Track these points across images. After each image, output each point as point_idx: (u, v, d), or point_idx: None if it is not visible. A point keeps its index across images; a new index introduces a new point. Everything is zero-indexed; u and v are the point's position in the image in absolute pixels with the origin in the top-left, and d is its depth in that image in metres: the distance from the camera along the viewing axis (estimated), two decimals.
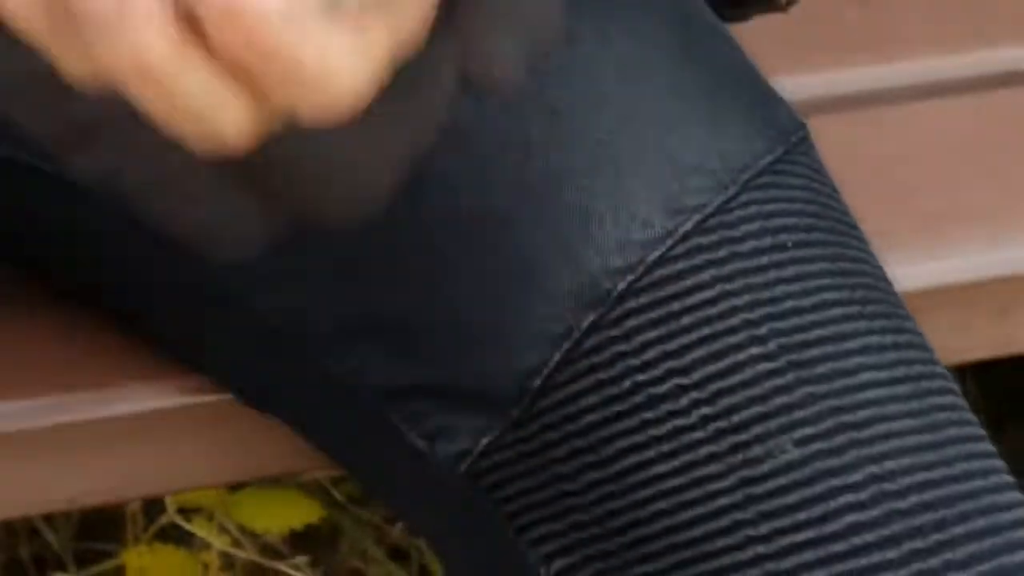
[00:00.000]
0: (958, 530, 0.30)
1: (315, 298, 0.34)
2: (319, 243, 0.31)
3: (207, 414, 0.39)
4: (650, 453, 0.30)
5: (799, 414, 0.30)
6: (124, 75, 0.17)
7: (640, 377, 0.30)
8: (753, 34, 0.39)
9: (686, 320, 0.30)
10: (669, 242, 0.32)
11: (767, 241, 0.33)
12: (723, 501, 0.29)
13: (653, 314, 0.31)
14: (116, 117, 0.18)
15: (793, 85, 0.43)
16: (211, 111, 0.17)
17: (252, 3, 0.16)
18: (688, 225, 0.32)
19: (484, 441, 0.31)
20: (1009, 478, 0.32)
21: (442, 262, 0.32)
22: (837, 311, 0.33)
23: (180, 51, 0.17)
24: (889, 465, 0.30)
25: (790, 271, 0.33)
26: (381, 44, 0.17)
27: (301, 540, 0.74)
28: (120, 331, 0.38)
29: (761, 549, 0.29)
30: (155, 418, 0.38)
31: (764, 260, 0.33)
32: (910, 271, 0.41)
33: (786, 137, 0.35)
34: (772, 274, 0.33)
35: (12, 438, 0.37)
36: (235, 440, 0.39)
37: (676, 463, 0.30)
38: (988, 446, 0.32)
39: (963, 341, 0.43)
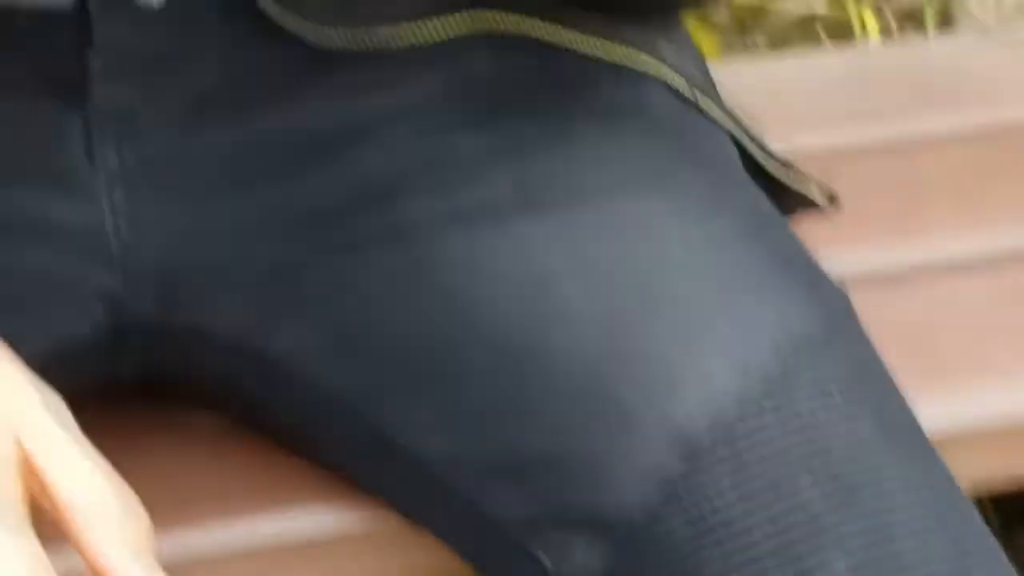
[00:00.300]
0: None
1: (466, 443, 0.43)
2: (469, 391, 0.42)
3: (376, 536, 0.48)
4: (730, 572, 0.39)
5: (847, 538, 0.38)
6: None
7: (722, 514, 0.39)
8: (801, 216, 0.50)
9: (756, 468, 0.39)
10: (742, 403, 0.40)
11: (820, 401, 0.41)
12: None
13: (733, 462, 0.39)
14: None
15: (835, 261, 0.54)
16: None
17: None
18: (757, 389, 0.40)
19: (599, 565, 0.39)
20: None
21: (563, 408, 0.42)
22: (879, 455, 0.41)
23: None
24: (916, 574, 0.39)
25: (841, 426, 0.41)
26: None
27: None
28: (285, 453, 0.48)
29: None
30: (328, 540, 0.47)
31: (820, 416, 0.40)
32: (936, 414, 0.51)
33: (834, 310, 0.44)
34: (825, 428, 0.40)
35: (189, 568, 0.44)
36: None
37: None
38: (1004, 558, 0.40)
39: (981, 474, 0.53)
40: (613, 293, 0.44)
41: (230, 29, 0.49)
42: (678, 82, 0.48)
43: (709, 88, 0.50)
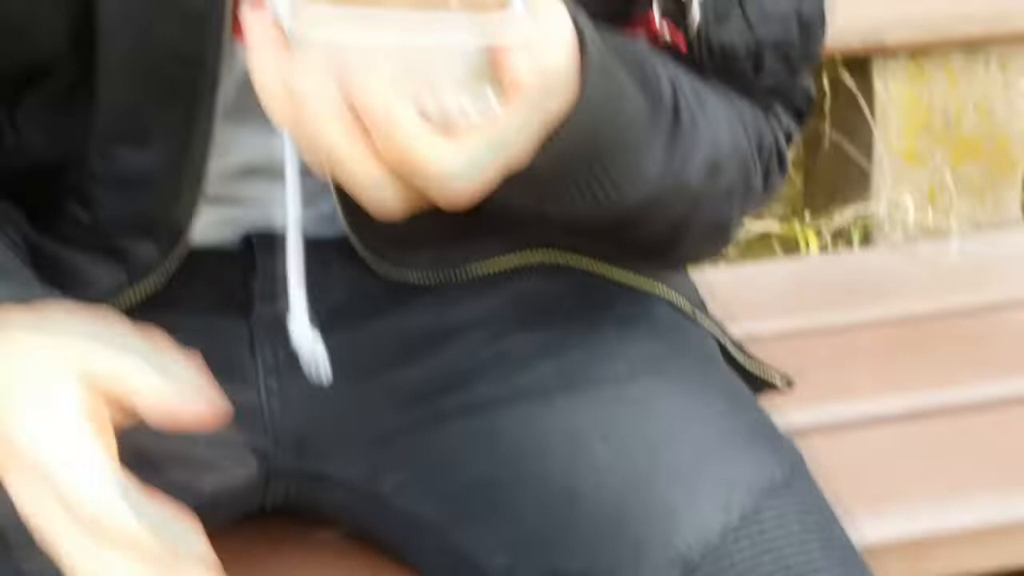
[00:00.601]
0: None
1: (521, 560, 0.58)
2: (524, 521, 0.58)
3: None
4: None
5: None
6: (328, 161, 0.40)
7: None
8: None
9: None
10: (725, 533, 0.56)
11: (782, 531, 0.57)
12: None
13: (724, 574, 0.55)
14: None
15: (790, 415, 0.73)
16: (377, 190, 0.41)
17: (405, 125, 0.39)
18: (736, 523, 0.57)
19: None
20: None
21: (594, 537, 0.58)
22: (824, 569, 0.57)
23: (358, 150, 0.39)
24: None
25: (797, 548, 0.57)
26: (487, 159, 0.40)
27: None
28: (388, 560, 0.62)
29: None
30: None
31: (781, 541, 0.57)
32: (866, 531, 0.71)
33: (791, 461, 0.61)
34: (785, 550, 0.57)
35: None
36: None
37: None
38: None
39: None
40: (629, 452, 0.61)
41: (354, 267, 0.68)
42: (677, 299, 0.68)
43: (698, 302, 0.70)
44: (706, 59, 0.67)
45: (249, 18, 0.48)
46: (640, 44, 0.64)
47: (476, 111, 0.45)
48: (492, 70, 0.46)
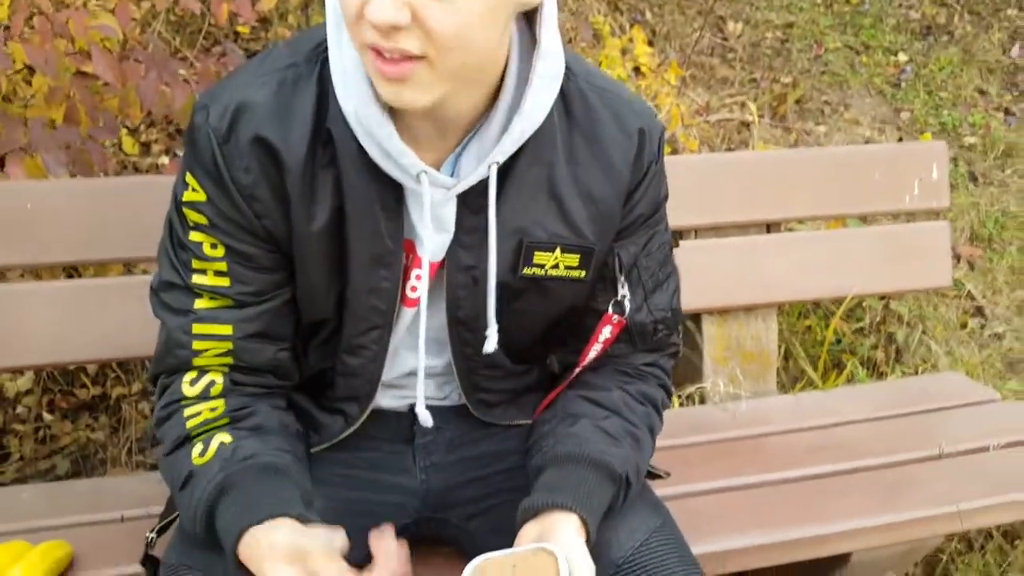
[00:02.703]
0: None
1: None
2: None
3: None
4: None
5: None
6: None
7: None
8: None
9: None
10: (634, 551, 1.08)
11: (662, 551, 1.09)
12: None
13: None
14: None
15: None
16: None
17: None
18: (638, 546, 1.09)
19: None
20: None
21: None
22: (678, 567, 1.06)
23: None
24: None
25: (667, 559, 1.06)
26: None
27: None
28: None
29: None
30: None
31: (661, 557, 1.06)
32: None
33: (664, 515, 1.15)
34: (665, 560, 1.04)
35: None
36: None
37: None
38: None
39: None
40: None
41: (462, 418, 1.24)
42: None
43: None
44: (634, 330, 1.16)
45: None
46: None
47: None
48: None
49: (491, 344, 1.08)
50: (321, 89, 1.03)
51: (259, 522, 0.96)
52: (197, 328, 1.09)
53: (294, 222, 1.04)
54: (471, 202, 1.05)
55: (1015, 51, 4.08)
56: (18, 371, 2.27)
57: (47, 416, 2.35)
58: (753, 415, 1.80)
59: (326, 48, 1.03)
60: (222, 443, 1.05)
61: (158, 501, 1.36)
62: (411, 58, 0.90)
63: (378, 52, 0.91)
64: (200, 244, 1.06)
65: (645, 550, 1.08)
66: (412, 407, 1.17)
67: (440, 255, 1.08)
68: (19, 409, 2.36)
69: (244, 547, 0.96)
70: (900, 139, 3.59)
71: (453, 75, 0.93)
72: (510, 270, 1.09)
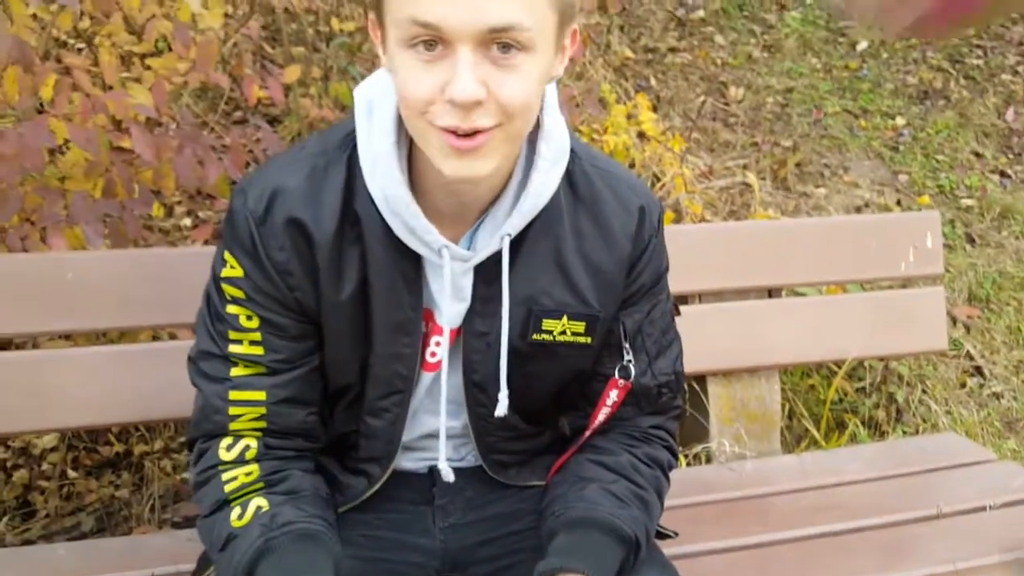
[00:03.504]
0: None
1: None
2: None
3: None
4: None
5: None
6: None
7: None
8: None
9: None
10: None
11: None
12: None
13: None
14: None
15: None
16: None
17: None
18: None
19: None
20: None
21: None
22: None
23: None
24: None
25: None
26: None
27: None
28: None
29: None
30: None
31: None
32: None
33: (673, 573, 1.21)
34: None
35: None
36: None
37: None
38: None
39: None
40: None
41: (480, 479, 1.30)
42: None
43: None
44: (640, 393, 1.23)
45: None
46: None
47: None
48: None
49: (502, 408, 1.14)
50: (349, 173, 1.13)
51: None
52: (233, 395, 1.16)
53: (323, 293, 1.12)
54: (486, 273, 1.14)
55: (1009, 115, 4.20)
56: (45, 433, 2.34)
57: (71, 473, 2.41)
58: (758, 475, 1.85)
59: (354, 138, 1.12)
60: (259, 508, 1.12)
61: (186, 559, 1.42)
62: (482, 131, 0.99)
63: (452, 132, 0.99)
64: (236, 316, 1.14)
65: None
66: (432, 468, 1.24)
67: (458, 322, 1.16)
68: (44, 466, 2.42)
69: None
70: (899, 201, 3.68)
71: (516, 140, 1.04)
72: (520, 336, 1.16)
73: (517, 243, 1.14)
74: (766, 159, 3.70)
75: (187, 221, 2.98)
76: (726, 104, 3.99)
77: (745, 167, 3.53)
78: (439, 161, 1.03)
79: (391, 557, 1.24)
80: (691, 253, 1.90)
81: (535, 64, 0.99)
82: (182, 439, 2.43)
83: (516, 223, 1.12)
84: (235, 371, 1.15)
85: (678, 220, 2.83)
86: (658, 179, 3.07)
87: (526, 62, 0.97)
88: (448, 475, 1.21)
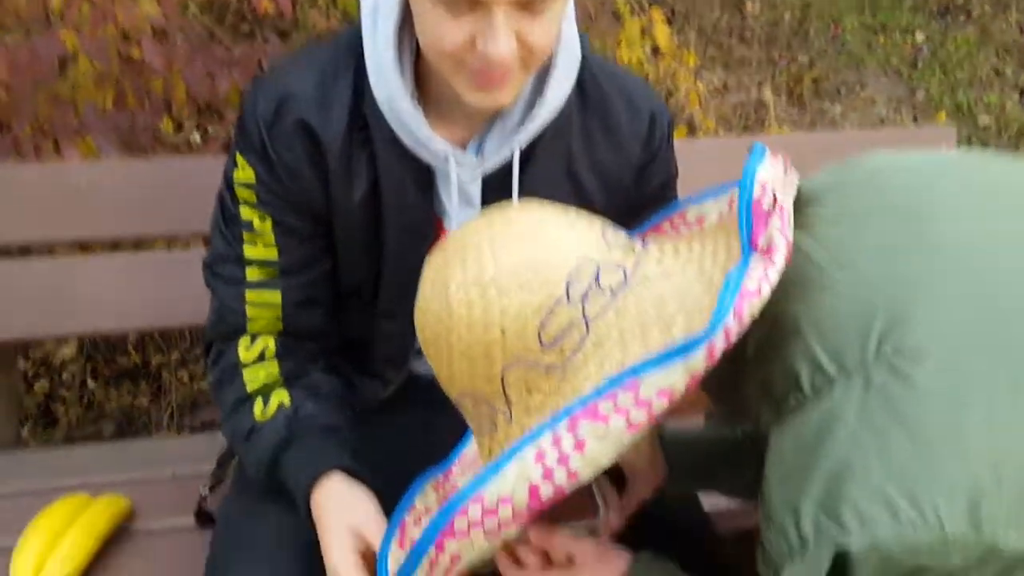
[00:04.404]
0: None
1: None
2: None
3: None
4: None
5: None
6: None
7: None
8: None
9: None
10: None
11: None
12: None
13: None
14: None
15: None
16: None
17: None
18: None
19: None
20: None
21: None
22: None
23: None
24: None
25: None
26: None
27: None
28: None
29: None
30: None
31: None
32: None
33: None
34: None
35: None
36: None
37: None
38: None
39: None
40: None
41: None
42: None
43: None
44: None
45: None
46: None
47: None
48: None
49: None
50: (357, 77, 1.12)
51: (324, 473, 1.06)
52: (249, 296, 1.18)
53: (334, 196, 1.13)
54: (495, 182, 1.13)
55: None
56: (64, 338, 2.38)
57: (91, 383, 2.47)
58: None
59: (361, 42, 1.11)
60: (282, 402, 1.14)
61: (205, 459, 1.46)
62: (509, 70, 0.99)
63: (479, 73, 0.99)
64: (250, 220, 1.15)
65: None
66: None
67: None
68: (64, 376, 2.48)
69: (314, 497, 1.06)
70: (915, 118, 3.64)
71: (538, 66, 1.03)
72: None
73: (527, 151, 1.14)
74: (782, 76, 3.65)
75: (196, 137, 2.98)
76: (743, 19, 3.92)
77: (761, 84, 3.49)
78: (461, 91, 1.03)
79: (408, 459, 1.23)
80: (703, 168, 1.88)
81: (563, 2, 1.00)
82: (198, 350, 2.47)
83: (531, 132, 1.12)
84: (250, 273, 1.17)
85: (691, 136, 2.81)
86: (671, 95, 3.03)
87: (556, 4, 0.98)
88: None
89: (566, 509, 0.97)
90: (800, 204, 0.87)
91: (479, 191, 1.16)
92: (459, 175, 1.13)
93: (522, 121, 1.14)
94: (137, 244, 1.92)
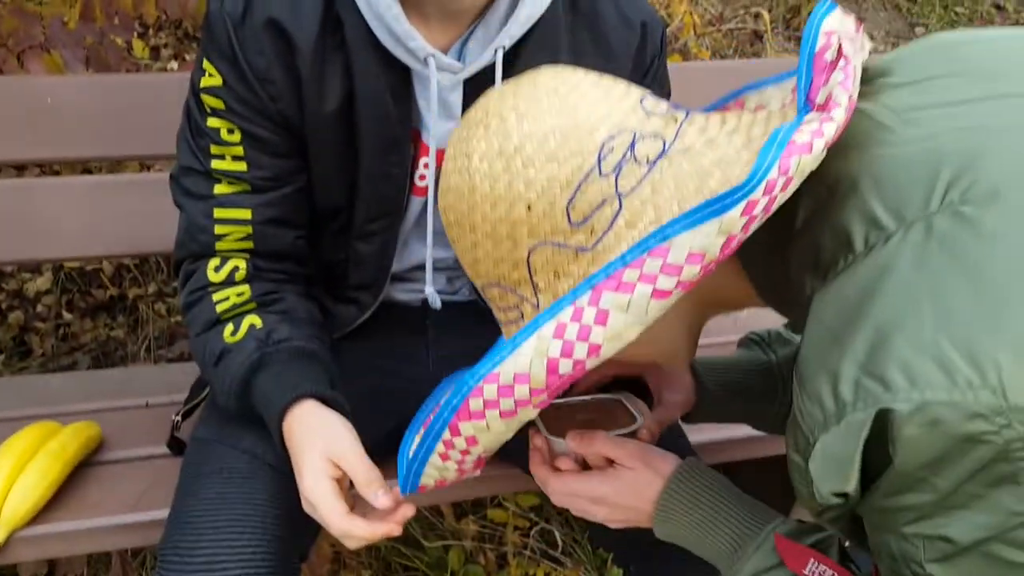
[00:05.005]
0: None
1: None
2: None
3: None
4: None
5: None
6: None
7: None
8: None
9: None
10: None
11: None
12: None
13: None
14: None
15: None
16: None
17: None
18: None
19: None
20: None
21: None
22: None
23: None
24: None
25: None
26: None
27: None
28: None
29: None
30: None
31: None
32: None
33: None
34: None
35: None
36: None
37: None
38: None
39: None
40: None
41: (471, 311, 1.23)
42: None
43: None
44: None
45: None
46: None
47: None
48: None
49: None
50: None
51: (296, 399, 1.01)
52: (218, 212, 1.12)
53: (306, 104, 1.07)
54: (477, 89, 1.10)
55: None
56: (36, 265, 2.31)
57: (66, 315, 2.41)
58: None
59: None
60: (253, 324, 1.09)
61: (181, 389, 1.42)
62: None
63: None
64: (217, 129, 1.09)
65: None
66: (425, 301, 1.21)
67: (445, 142, 1.10)
68: (39, 308, 2.42)
69: (287, 424, 1.03)
70: None
71: None
72: None
73: (511, 58, 1.08)
74: (779, 7, 3.56)
75: (174, 64, 2.89)
76: None
77: (757, 15, 3.40)
78: None
79: (383, 385, 1.23)
80: (697, 91, 1.81)
81: None
82: (176, 283, 2.41)
83: (513, 33, 1.06)
84: (219, 188, 1.11)
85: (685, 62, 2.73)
86: (666, 25, 2.95)
87: None
88: (435, 302, 1.18)
89: (602, 421, 0.94)
90: (867, 78, 0.77)
91: (460, 100, 1.12)
92: (439, 81, 1.07)
93: (505, 23, 1.08)
94: (110, 168, 1.85)
